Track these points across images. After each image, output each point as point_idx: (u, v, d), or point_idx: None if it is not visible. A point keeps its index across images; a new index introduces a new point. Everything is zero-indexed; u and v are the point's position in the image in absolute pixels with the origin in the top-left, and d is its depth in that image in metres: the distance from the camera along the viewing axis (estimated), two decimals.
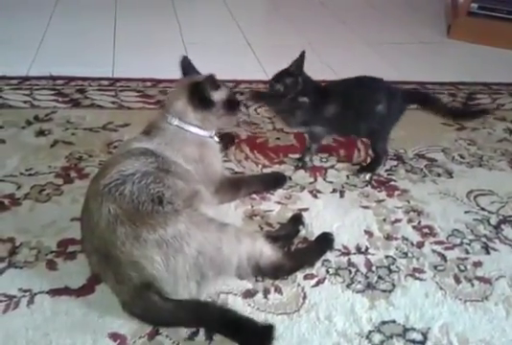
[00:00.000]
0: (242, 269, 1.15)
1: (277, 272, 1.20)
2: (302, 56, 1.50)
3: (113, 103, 1.96)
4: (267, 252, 1.18)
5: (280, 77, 1.51)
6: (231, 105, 1.41)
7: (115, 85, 2.10)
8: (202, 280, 1.10)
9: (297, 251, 1.31)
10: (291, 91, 1.50)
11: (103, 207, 1.12)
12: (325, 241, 1.32)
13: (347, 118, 1.55)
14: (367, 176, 1.62)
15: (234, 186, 1.47)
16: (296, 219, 1.38)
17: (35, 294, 1.13)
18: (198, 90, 1.34)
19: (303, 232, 1.36)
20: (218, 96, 1.37)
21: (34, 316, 1.08)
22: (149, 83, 2.14)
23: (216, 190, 1.39)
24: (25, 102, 1.92)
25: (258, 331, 1.05)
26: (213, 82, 1.34)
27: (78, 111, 1.87)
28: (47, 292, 1.14)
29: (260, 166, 1.65)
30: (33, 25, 2.65)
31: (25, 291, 1.13)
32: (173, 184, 1.20)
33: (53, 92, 2.00)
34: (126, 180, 1.15)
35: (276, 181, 1.57)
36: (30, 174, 1.51)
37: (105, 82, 2.11)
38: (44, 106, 1.90)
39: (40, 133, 1.72)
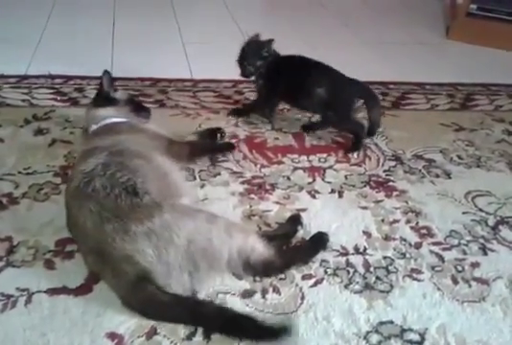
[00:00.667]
0: (232, 264, 1.15)
1: (268, 269, 1.20)
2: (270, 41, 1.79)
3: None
4: (259, 249, 1.18)
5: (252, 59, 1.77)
6: (136, 106, 1.62)
7: (114, 84, 2.09)
8: (195, 271, 1.11)
9: (290, 249, 1.31)
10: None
11: (83, 208, 1.15)
12: (319, 241, 1.32)
13: (293, 94, 1.78)
14: (355, 154, 1.74)
15: (183, 145, 1.57)
16: (294, 220, 1.38)
17: (33, 294, 1.13)
18: (100, 90, 1.58)
19: (301, 232, 1.36)
20: (118, 95, 1.61)
21: (31, 316, 1.08)
22: (147, 83, 2.14)
23: (167, 150, 1.46)
24: (23, 100, 1.92)
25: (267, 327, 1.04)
26: (108, 79, 1.58)
27: (76, 110, 1.86)
28: (45, 292, 1.13)
29: (258, 166, 1.65)
30: (31, 23, 2.64)
31: (23, 291, 1.13)
32: (133, 165, 1.25)
33: (51, 91, 2.00)
34: (92, 176, 1.20)
35: (225, 146, 1.70)
36: (28, 173, 1.51)
37: None
38: (43, 105, 1.89)
39: (39, 132, 1.72)
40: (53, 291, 1.14)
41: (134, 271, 1.07)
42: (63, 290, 1.14)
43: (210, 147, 1.71)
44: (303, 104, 1.82)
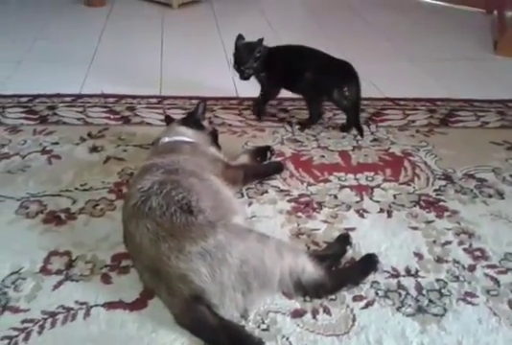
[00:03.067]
0: (284, 284, 1.16)
1: (319, 291, 1.20)
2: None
3: (162, 120, 2.02)
4: (310, 269, 1.18)
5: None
6: (215, 139, 1.74)
7: (163, 103, 2.16)
8: (248, 291, 1.12)
9: (340, 271, 1.30)
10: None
11: (140, 227, 1.19)
12: (370, 263, 1.30)
13: (290, 80, 1.94)
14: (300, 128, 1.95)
15: (238, 168, 1.59)
16: (343, 239, 1.37)
17: (91, 307, 1.17)
18: (193, 114, 1.73)
19: (350, 252, 1.35)
20: (206, 124, 1.76)
21: (90, 329, 1.12)
22: (195, 101, 2.19)
23: (222, 173, 1.49)
24: (79, 119, 2.01)
25: None
26: (203, 107, 1.75)
27: (128, 128, 1.94)
28: (102, 305, 1.17)
29: (305, 184, 1.66)
30: (83, 44, 2.78)
31: (81, 304, 1.18)
32: (187, 183, 1.29)
33: (104, 109, 2.08)
34: (149, 195, 1.24)
35: (276, 168, 1.71)
36: (84, 190, 1.57)
37: (154, 100, 2.18)
38: (97, 123, 1.98)
39: (94, 149, 1.79)
40: (110, 305, 1.17)
41: (188, 290, 1.09)
42: (120, 305, 1.18)
43: (263, 170, 1.71)
44: (298, 88, 1.97)
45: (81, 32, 3.00)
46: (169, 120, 1.80)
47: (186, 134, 1.62)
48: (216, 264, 1.10)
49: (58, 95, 2.18)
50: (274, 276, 1.14)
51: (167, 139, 1.58)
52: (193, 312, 1.09)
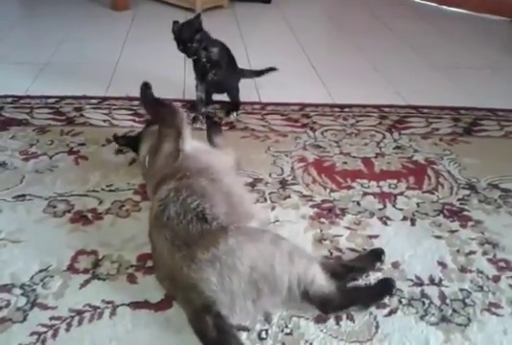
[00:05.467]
0: (291, 292, 1.14)
1: (325, 306, 1.16)
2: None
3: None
4: (320, 281, 1.16)
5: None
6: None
7: (186, 106, 2.19)
8: (258, 297, 1.11)
9: (353, 290, 1.25)
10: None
11: (160, 236, 1.21)
12: (385, 287, 1.25)
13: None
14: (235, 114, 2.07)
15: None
16: (376, 255, 1.34)
17: (117, 306, 1.19)
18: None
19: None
20: None
21: (116, 328, 1.14)
22: (217, 105, 2.22)
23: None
24: (104, 120, 2.05)
25: None
26: None
27: None
28: (128, 305, 1.19)
29: (328, 190, 1.67)
30: (108, 48, 2.82)
31: (108, 303, 1.20)
32: (200, 187, 1.29)
33: (130, 112, 2.12)
34: (166, 203, 1.25)
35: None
36: (110, 190, 1.60)
37: (178, 104, 2.20)
38: (122, 126, 2.01)
39: (119, 151, 1.82)
40: (135, 305, 1.19)
41: (200, 301, 1.09)
42: (145, 305, 1.19)
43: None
44: None
45: (105, 35, 3.05)
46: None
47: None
48: (225, 273, 1.10)
49: (84, 97, 2.22)
50: (283, 283, 1.13)
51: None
52: (198, 323, 1.09)
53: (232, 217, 1.24)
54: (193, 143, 1.52)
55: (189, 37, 1.91)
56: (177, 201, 1.25)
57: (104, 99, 2.23)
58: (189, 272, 1.11)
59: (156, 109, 1.61)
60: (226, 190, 1.34)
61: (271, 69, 2.25)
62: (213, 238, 1.15)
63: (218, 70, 2.01)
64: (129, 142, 1.75)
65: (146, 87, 1.68)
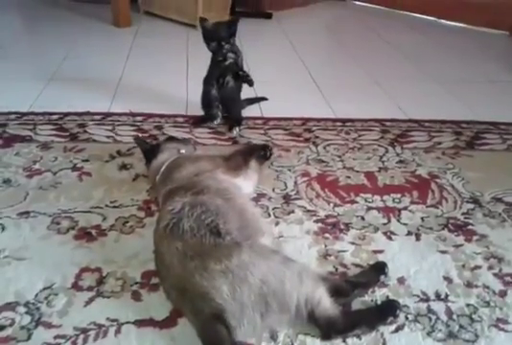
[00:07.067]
0: (299, 311, 1.14)
1: (330, 329, 1.15)
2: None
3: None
4: (326, 304, 1.16)
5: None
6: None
7: (189, 122, 2.20)
8: (266, 312, 1.11)
9: (357, 313, 1.24)
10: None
11: (171, 247, 1.22)
12: (389, 308, 1.24)
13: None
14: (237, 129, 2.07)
15: (233, 155, 1.65)
16: (379, 268, 1.34)
17: (122, 324, 1.18)
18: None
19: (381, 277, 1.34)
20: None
21: None
22: (220, 121, 2.23)
23: (226, 166, 1.57)
24: (108, 136, 2.05)
25: None
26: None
27: None
28: (133, 323, 1.18)
29: (331, 204, 1.67)
30: (111, 63, 2.85)
31: (112, 321, 1.19)
32: (214, 205, 1.31)
33: (133, 128, 2.13)
34: (180, 217, 1.27)
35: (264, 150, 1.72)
36: (114, 206, 1.60)
37: (180, 119, 2.22)
38: (126, 141, 2.01)
39: (123, 167, 1.83)
40: (140, 323, 1.18)
41: (209, 308, 1.10)
42: (150, 322, 1.19)
43: (252, 147, 1.85)
44: None
45: (108, 51, 3.08)
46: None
47: (178, 148, 1.71)
48: (237, 283, 1.11)
49: (87, 113, 2.24)
50: (292, 300, 1.13)
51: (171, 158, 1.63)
52: (210, 331, 1.09)
53: (245, 232, 1.27)
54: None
55: (226, 37, 1.93)
56: (191, 217, 1.27)
57: (108, 115, 2.24)
58: (201, 280, 1.12)
59: (251, 147, 1.83)
60: (240, 207, 1.37)
61: (262, 99, 2.34)
62: (226, 251, 1.17)
63: (235, 76, 2.05)
64: (147, 148, 1.75)
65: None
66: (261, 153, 1.71)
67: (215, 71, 2.06)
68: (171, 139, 1.85)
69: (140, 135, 1.90)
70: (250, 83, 2.08)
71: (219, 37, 1.93)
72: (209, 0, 3.46)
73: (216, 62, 2.03)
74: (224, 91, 2.08)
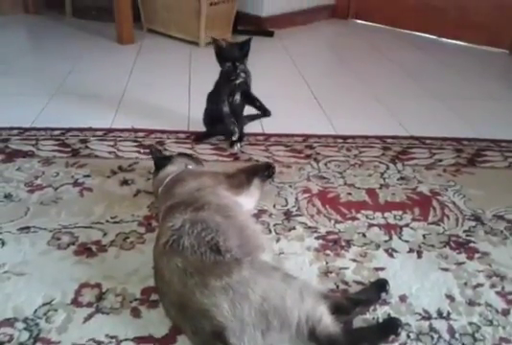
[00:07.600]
0: (300, 329, 1.12)
1: None
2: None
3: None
4: (327, 321, 1.14)
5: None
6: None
7: (191, 138, 2.21)
8: (267, 330, 1.10)
9: (358, 331, 1.23)
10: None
11: (171, 263, 1.21)
12: (391, 326, 1.22)
13: None
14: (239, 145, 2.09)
15: (237, 173, 1.66)
16: (380, 285, 1.33)
17: (121, 341, 1.17)
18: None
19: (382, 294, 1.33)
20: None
21: None
22: (221, 137, 2.24)
23: (229, 183, 1.57)
24: (110, 152, 2.06)
25: None
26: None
27: None
28: (132, 340, 1.17)
29: (332, 221, 1.66)
30: (114, 79, 2.88)
31: (112, 338, 1.17)
32: (215, 223, 1.31)
33: (135, 144, 2.14)
34: (180, 234, 1.27)
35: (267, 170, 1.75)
36: (115, 222, 1.60)
37: (182, 135, 2.23)
38: (127, 157, 2.02)
39: (124, 183, 1.83)
40: (139, 340, 1.17)
41: (210, 327, 1.09)
42: (149, 339, 1.17)
43: (256, 166, 1.85)
44: None
45: (111, 67, 3.12)
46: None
47: (187, 163, 1.74)
48: (237, 300, 1.10)
49: (90, 129, 2.25)
50: (293, 318, 1.11)
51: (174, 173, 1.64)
52: None
53: (245, 249, 1.27)
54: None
55: (241, 58, 1.97)
56: (192, 234, 1.26)
57: (110, 130, 2.25)
58: (201, 298, 1.11)
59: (255, 167, 1.83)
60: (240, 224, 1.37)
61: (264, 115, 2.28)
62: (226, 268, 1.17)
63: (243, 95, 2.09)
64: (160, 158, 1.77)
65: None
66: (264, 173, 1.74)
67: (226, 89, 2.07)
68: (184, 155, 1.86)
69: (158, 147, 1.97)
70: (267, 114, 2.14)
71: (233, 58, 1.97)
72: (211, 18, 3.51)
73: (227, 80, 2.04)
74: (231, 108, 2.10)
